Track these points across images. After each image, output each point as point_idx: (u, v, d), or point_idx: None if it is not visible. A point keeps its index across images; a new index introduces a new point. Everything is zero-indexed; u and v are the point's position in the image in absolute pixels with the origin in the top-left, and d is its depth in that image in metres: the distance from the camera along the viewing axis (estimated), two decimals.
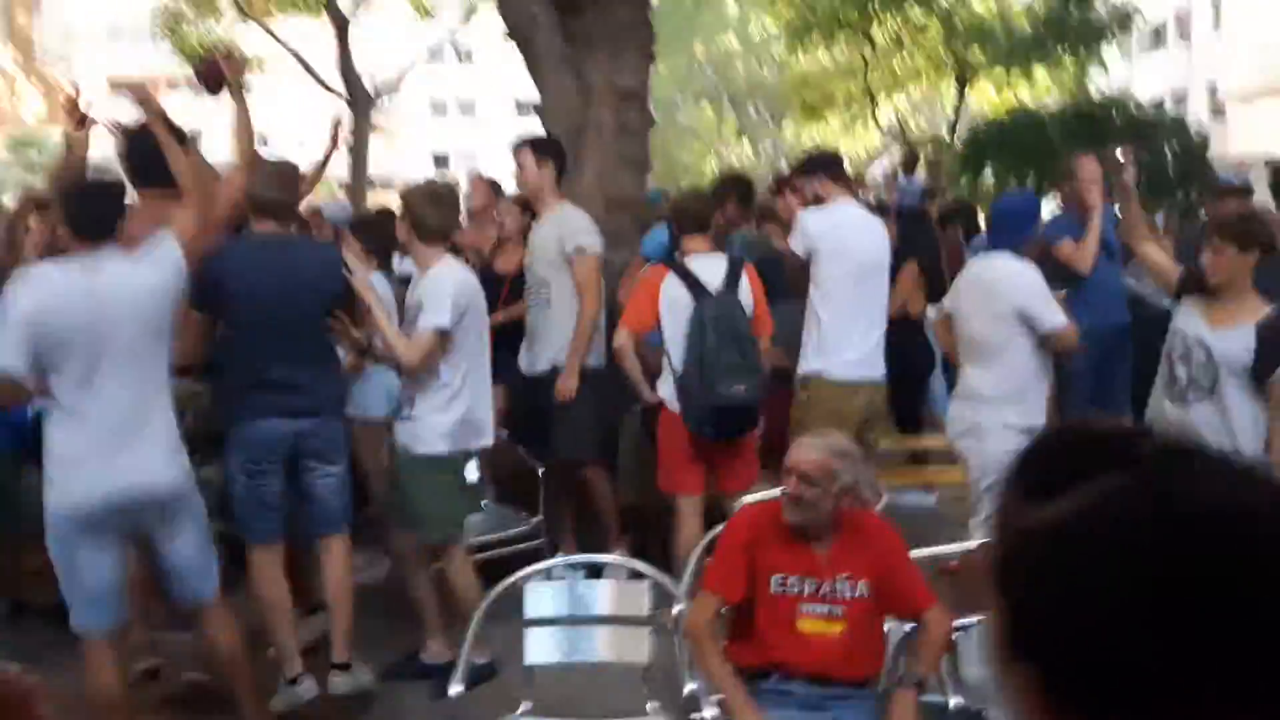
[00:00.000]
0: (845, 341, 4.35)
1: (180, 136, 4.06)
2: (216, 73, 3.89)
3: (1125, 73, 32.37)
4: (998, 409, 3.92)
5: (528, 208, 5.83)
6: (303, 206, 5.35)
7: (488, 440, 4.08)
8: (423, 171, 33.53)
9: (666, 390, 4.26)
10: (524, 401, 4.71)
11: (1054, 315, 3.89)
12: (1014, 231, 4.08)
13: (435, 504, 3.81)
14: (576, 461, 4.65)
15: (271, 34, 17.57)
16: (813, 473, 2.65)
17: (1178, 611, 0.63)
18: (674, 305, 4.15)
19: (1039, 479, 0.72)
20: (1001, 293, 3.93)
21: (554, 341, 4.50)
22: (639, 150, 5.38)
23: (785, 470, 2.70)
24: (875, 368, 4.46)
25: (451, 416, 3.80)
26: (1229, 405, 3.51)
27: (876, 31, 17.03)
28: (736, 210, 5.35)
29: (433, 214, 3.86)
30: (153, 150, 3.64)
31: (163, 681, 3.82)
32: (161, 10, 17.39)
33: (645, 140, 5.49)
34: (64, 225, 3.15)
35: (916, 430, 6.10)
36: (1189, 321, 3.65)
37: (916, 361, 5.88)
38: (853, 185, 4.76)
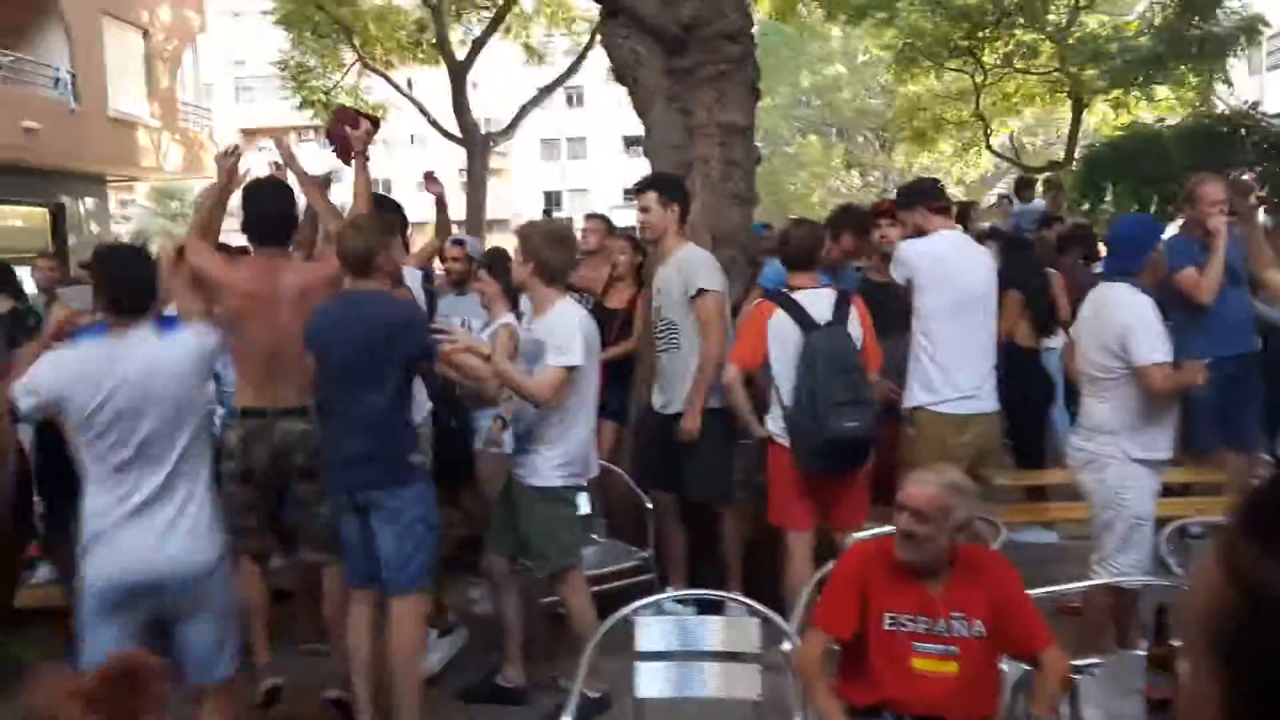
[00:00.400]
0: (951, 373, 4.28)
1: (325, 182, 4.41)
2: (345, 142, 4.16)
3: (1255, 87, 31.06)
4: (1116, 440, 3.79)
5: (639, 245, 5.93)
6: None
7: (594, 472, 4.14)
8: (535, 210, 34.41)
9: (775, 425, 4.25)
10: (655, 440, 4.73)
11: (1148, 351, 3.67)
12: (1129, 258, 3.95)
13: (550, 535, 3.88)
14: (712, 500, 4.66)
15: (391, 82, 18.28)
16: (926, 509, 2.61)
17: None
18: (782, 339, 4.15)
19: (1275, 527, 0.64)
20: (1108, 321, 3.81)
21: (683, 383, 4.52)
22: (746, 185, 5.39)
23: (898, 506, 2.67)
24: (986, 400, 4.37)
25: (564, 450, 3.87)
26: None
27: (986, 54, 16.74)
28: (853, 242, 5.33)
29: (555, 255, 3.94)
30: (273, 210, 3.91)
31: None
32: (289, 64, 18.28)
33: (752, 175, 5.51)
34: (101, 298, 3.08)
35: (1038, 465, 5.93)
36: None
37: (1032, 393, 5.75)
38: (952, 214, 4.68)
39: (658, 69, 5.35)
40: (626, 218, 6.31)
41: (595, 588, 4.44)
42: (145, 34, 17.37)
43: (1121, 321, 3.75)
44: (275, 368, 3.83)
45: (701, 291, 4.41)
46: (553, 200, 44.21)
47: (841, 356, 4.10)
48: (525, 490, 3.90)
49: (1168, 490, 4.40)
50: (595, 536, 4.97)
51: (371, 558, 3.56)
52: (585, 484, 4.11)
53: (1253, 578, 0.62)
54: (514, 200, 39.13)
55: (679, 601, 4.11)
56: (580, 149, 45.85)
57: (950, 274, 4.32)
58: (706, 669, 3.01)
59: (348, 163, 4.28)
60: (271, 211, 3.98)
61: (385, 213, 4.01)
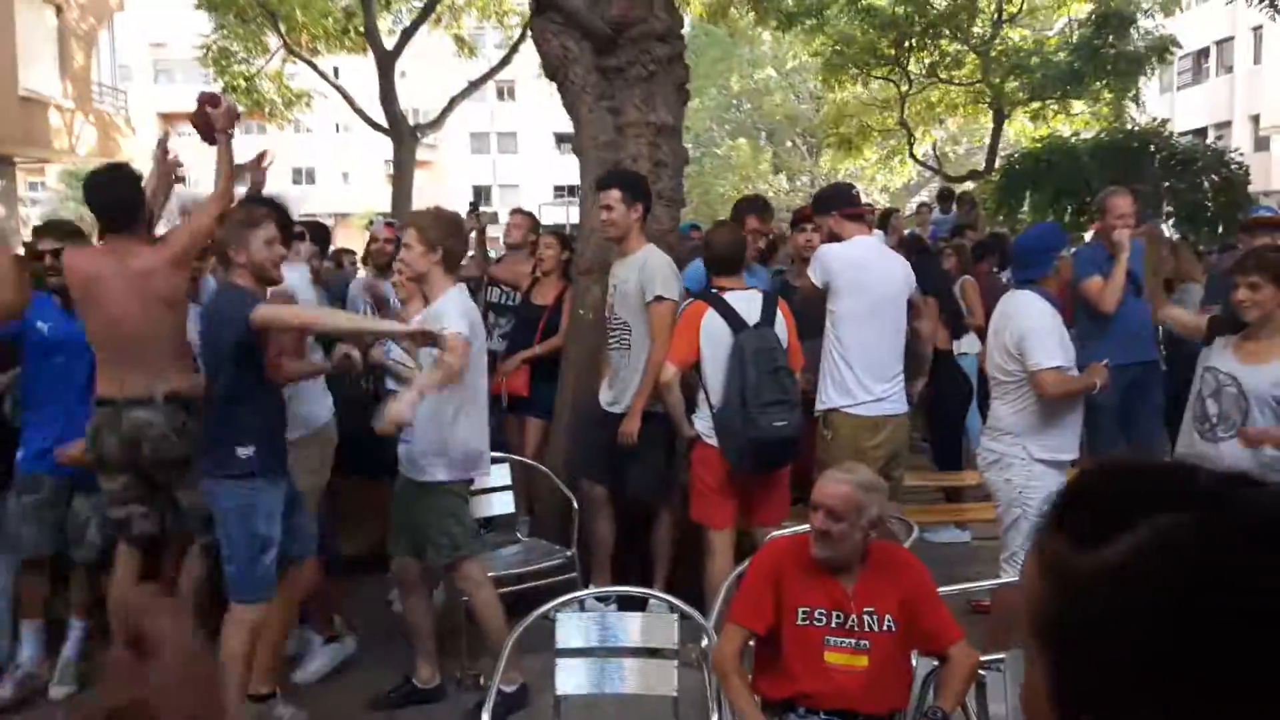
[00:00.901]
0: (864, 377, 4.35)
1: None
2: (207, 121, 4.12)
3: (1167, 105, 32.25)
4: (1019, 441, 3.92)
5: (566, 241, 5.93)
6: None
7: (484, 471, 4.12)
8: (463, 204, 33.94)
9: (702, 424, 4.30)
10: (596, 434, 4.72)
11: (1042, 356, 3.79)
12: (1033, 266, 4.08)
13: (440, 528, 3.84)
14: (648, 501, 4.68)
15: (317, 70, 17.92)
16: (839, 507, 2.67)
17: (1264, 661, 0.58)
18: (713, 339, 4.19)
19: (1086, 520, 0.67)
20: (1008, 326, 3.95)
21: (633, 384, 4.54)
22: (673, 186, 5.42)
23: (812, 505, 2.72)
24: (897, 403, 4.45)
25: (450, 445, 3.83)
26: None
27: (912, 64, 17.07)
28: (758, 221, 5.45)
29: (458, 244, 3.97)
30: (113, 196, 3.93)
31: None
32: (211, 47, 17.81)
33: (680, 176, 5.53)
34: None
35: (956, 465, 6.08)
36: (1220, 358, 3.67)
37: (949, 394, 5.89)
38: (871, 220, 4.77)
39: (588, 66, 5.35)
40: (556, 214, 6.35)
41: (518, 586, 4.46)
42: (59, 10, 16.78)
43: (1020, 327, 3.88)
44: (124, 355, 3.77)
45: (658, 298, 4.43)
46: (481, 195, 43.95)
47: (770, 356, 4.15)
48: (413, 485, 3.88)
49: None
50: (519, 535, 4.96)
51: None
52: (472, 479, 4.05)
53: (1062, 568, 0.67)
54: (442, 194, 38.73)
55: (599, 599, 4.14)
56: (511, 144, 45.57)
57: (865, 279, 4.38)
58: (625, 665, 3.03)
59: (211, 143, 4.20)
60: (112, 198, 3.91)
61: (254, 206, 3.92)
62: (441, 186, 39.31)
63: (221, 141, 4.15)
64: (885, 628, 2.70)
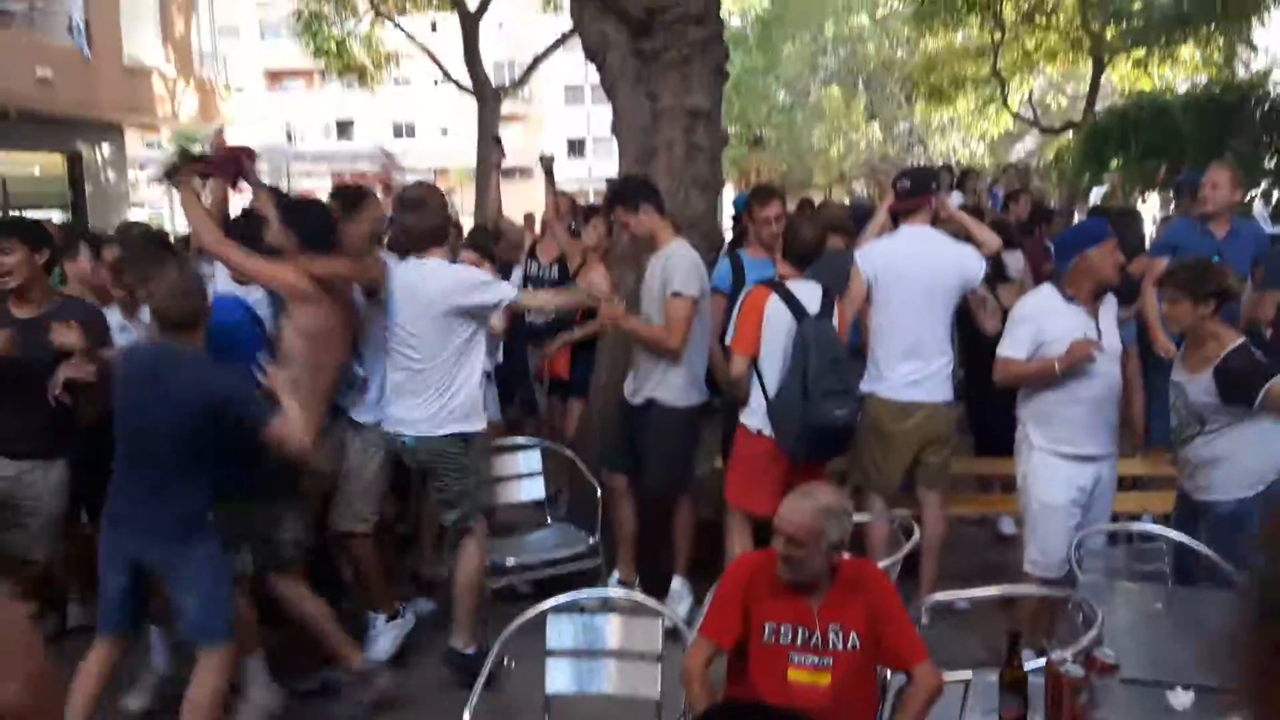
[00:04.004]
0: (893, 360, 4.48)
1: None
2: (237, 170, 4.29)
3: None
4: (1024, 427, 4.05)
5: (612, 226, 5.97)
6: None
7: (481, 424, 4.25)
8: (560, 156, 34.07)
9: (755, 418, 4.31)
10: (619, 425, 4.87)
11: (1002, 345, 4.00)
12: (1060, 262, 4.04)
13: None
14: (669, 492, 4.77)
15: (405, 31, 18.17)
16: (799, 534, 2.71)
17: None
18: (774, 326, 4.22)
19: None
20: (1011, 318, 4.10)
21: (653, 376, 4.62)
22: (710, 170, 5.42)
23: (775, 530, 2.76)
24: (933, 391, 4.48)
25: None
26: (1216, 442, 3.61)
27: (1007, 10, 16.40)
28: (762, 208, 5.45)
29: (419, 220, 4.19)
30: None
31: None
32: (302, 12, 18.20)
33: (718, 160, 5.53)
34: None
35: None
36: (1176, 370, 3.78)
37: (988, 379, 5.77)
38: (929, 204, 4.71)
39: (624, 51, 5.37)
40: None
41: (548, 570, 4.62)
42: None
43: (1010, 316, 4.08)
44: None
45: (676, 294, 4.47)
46: (577, 149, 44.01)
47: (831, 346, 4.19)
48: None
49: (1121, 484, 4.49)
50: (548, 519, 5.11)
51: None
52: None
53: None
54: (536, 148, 38.94)
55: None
56: (603, 96, 45.35)
57: (903, 271, 4.46)
58: (611, 666, 3.14)
59: (234, 185, 4.42)
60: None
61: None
62: (536, 141, 39.60)
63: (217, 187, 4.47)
64: (850, 645, 2.74)
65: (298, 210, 4.08)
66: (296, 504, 3.93)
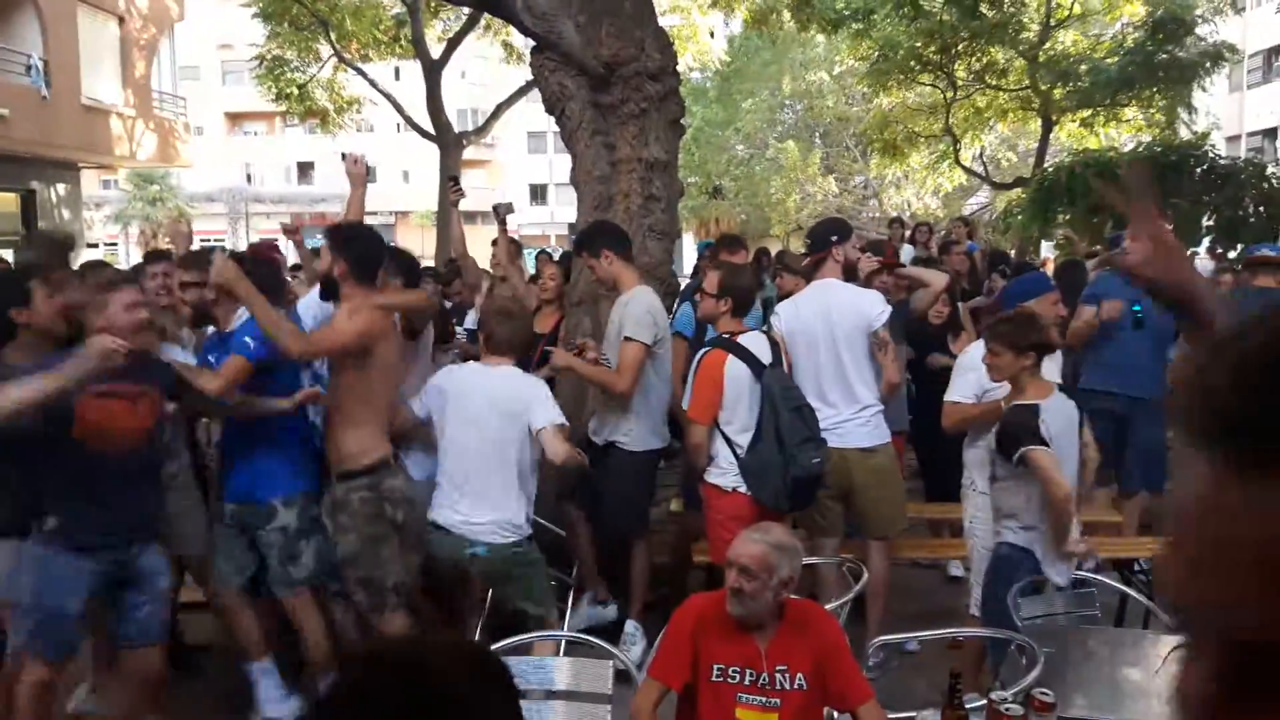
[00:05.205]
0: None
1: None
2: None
3: (1236, 104, 31.38)
4: (969, 471, 4.23)
5: (569, 273, 6.06)
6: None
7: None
8: (522, 203, 34.51)
9: (727, 476, 4.22)
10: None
11: (950, 389, 4.22)
12: (1006, 310, 4.18)
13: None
14: (625, 534, 4.82)
15: (366, 78, 18.29)
16: (751, 565, 2.76)
17: None
18: (736, 384, 4.18)
19: None
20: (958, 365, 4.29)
21: (613, 420, 4.69)
22: (667, 219, 5.54)
23: (727, 563, 2.82)
24: (845, 437, 4.50)
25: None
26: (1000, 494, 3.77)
27: (959, 70, 16.88)
28: (730, 254, 5.72)
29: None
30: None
31: None
32: (265, 56, 18.29)
33: (674, 209, 5.65)
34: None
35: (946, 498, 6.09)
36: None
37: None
38: (836, 259, 4.78)
39: (584, 103, 5.50)
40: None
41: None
42: (120, 21, 17.39)
43: (957, 364, 4.26)
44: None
45: (628, 339, 4.54)
46: (539, 194, 44.31)
47: (793, 395, 4.20)
48: None
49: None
50: None
51: None
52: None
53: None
54: (498, 194, 39.17)
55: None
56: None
57: (806, 324, 4.57)
58: (559, 708, 3.15)
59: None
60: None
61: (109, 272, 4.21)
62: (498, 186, 39.83)
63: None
64: (796, 685, 2.79)
65: (349, 237, 4.07)
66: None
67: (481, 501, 3.93)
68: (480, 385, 4.00)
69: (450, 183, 6.88)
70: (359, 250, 3.99)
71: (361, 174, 4.73)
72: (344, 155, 4.79)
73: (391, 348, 4.04)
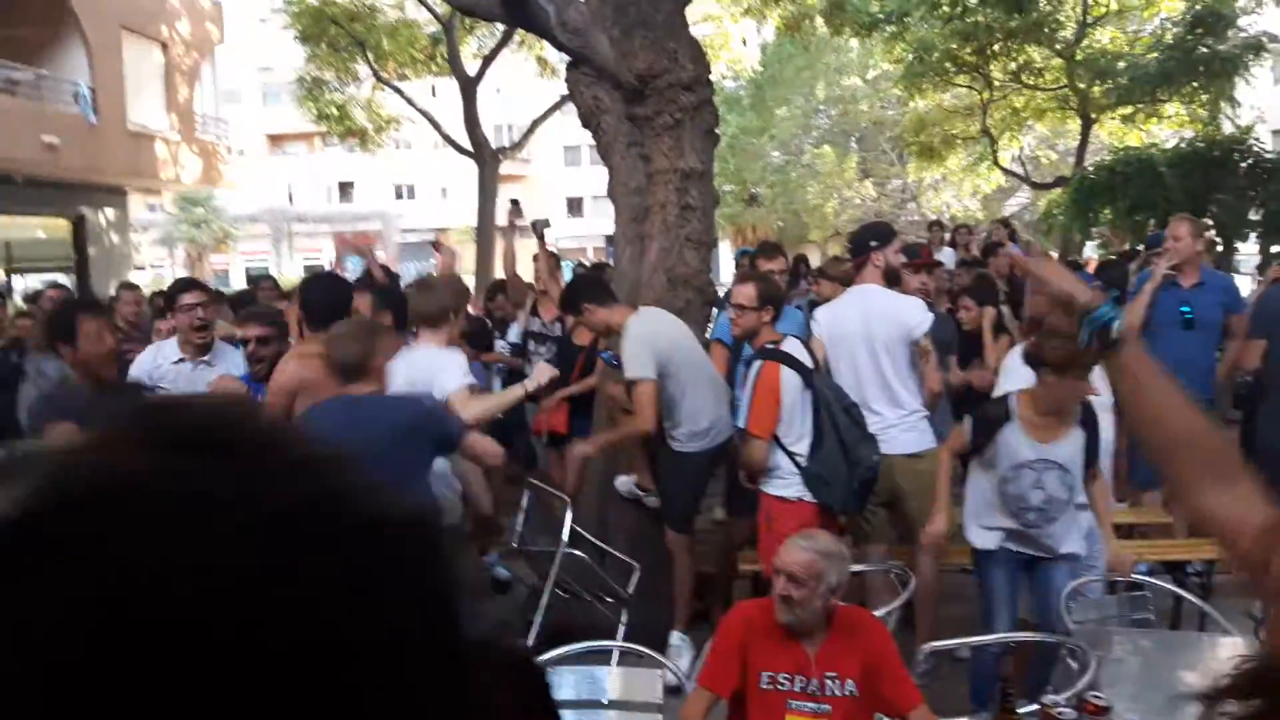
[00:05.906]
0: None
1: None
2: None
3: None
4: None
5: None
6: None
7: None
8: (559, 217, 34.78)
9: (789, 487, 4.21)
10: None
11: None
12: None
13: None
14: (672, 529, 4.85)
15: (404, 96, 18.50)
16: (800, 573, 2.77)
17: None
18: (791, 394, 4.19)
19: None
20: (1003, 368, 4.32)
21: (664, 426, 4.73)
22: (703, 228, 5.54)
23: (775, 570, 2.83)
24: (889, 444, 4.46)
25: None
26: None
27: (995, 71, 16.74)
28: (769, 261, 5.82)
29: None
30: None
31: None
32: (304, 78, 18.57)
33: (710, 218, 5.65)
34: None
35: None
36: None
37: None
38: (876, 265, 4.80)
39: (618, 116, 5.52)
40: None
41: None
42: (164, 47, 17.74)
43: (1002, 367, 4.29)
44: None
45: (632, 382, 4.57)
46: (576, 208, 44.53)
47: (842, 395, 4.26)
48: None
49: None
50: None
51: None
52: None
53: None
54: (534, 207, 39.45)
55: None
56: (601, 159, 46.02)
57: (846, 330, 4.61)
58: (611, 718, 3.17)
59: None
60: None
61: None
62: (534, 200, 40.08)
63: None
64: (847, 692, 2.79)
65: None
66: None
67: None
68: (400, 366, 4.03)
69: (511, 205, 7.08)
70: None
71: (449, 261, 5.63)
72: (435, 244, 5.65)
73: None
